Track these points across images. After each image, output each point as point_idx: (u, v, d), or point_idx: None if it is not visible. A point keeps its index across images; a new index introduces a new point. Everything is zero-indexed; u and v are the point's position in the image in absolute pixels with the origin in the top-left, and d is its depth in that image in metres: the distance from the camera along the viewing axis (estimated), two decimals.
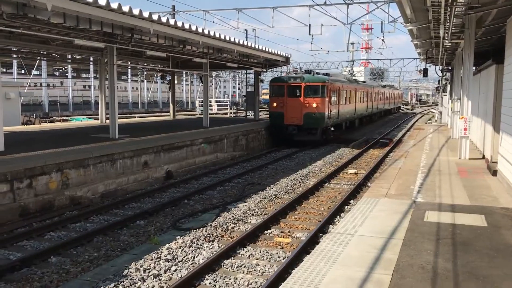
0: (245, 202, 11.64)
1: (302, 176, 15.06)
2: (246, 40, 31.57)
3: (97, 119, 25.27)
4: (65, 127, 21.17)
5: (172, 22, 14.95)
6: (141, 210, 10.90)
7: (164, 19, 14.35)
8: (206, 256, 7.77)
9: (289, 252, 8.05)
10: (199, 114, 35.70)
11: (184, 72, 51.66)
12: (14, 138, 14.60)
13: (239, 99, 74.16)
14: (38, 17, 10.68)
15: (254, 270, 7.29)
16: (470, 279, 5.20)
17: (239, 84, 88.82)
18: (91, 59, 24.59)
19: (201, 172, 15.94)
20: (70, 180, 11.20)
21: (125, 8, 12.42)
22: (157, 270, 7.15)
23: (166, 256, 7.70)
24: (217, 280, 6.86)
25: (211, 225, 9.52)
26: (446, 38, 14.54)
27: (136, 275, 6.93)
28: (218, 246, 8.35)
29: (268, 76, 55.28)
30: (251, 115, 28.20)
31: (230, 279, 6.89)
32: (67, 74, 56.47)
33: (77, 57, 23.04)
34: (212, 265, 7.33)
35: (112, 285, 6.58)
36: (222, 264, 7.49)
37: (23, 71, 49.21)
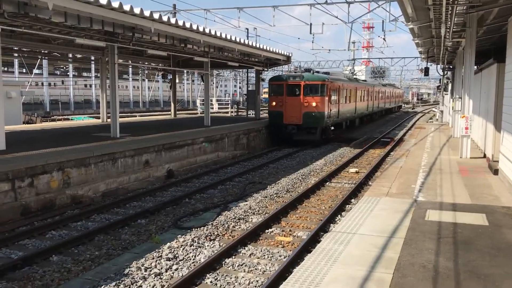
0: (246, 201, 11.65)
1: (303, 175, 15.07)
2: (247, 39, 31.55)
3: (98, 118, 25.28)
4: (66, 126, 21.18)
5: (173, 21, 14.95)
6: (142, 209, 10.91)
7: (165, 18, 14.35)
8: (207, 255, 7.78)
9: (290, 251, 8.05)
10: (200, 113, 35.71)
11: (185, 71, 51.69)
12: (15, 137, 14.62)
13: (240, 98, 74.16)
14: (39, 16, 10.69)
15: (255, 269, 7.29)
16: (471, 278, 5.20)
17: (240, 83, 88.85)
18: (92, 58, 24.61)
19: (202, 171, 15.95)
20: (71, 179, 11.21)
21: (126, 7, 12.43)
22: (158, 269, 7.16)
23: (167, 255, 7.71)
24: (218, 279, 6.86)
25: (212, 224, 9.53)
26: (447, 37, 14.54)
27: (137, 274, 6.95)
28: (219, 245, 8.35)
29: (269, 75, 55.19)
30: (252, 114, 28.19)
31: (231, 278, 6.89)
32: (68, 73, 56.49)
33: (78, 56, 23.05)
34: (213, 264, 7.33)
35: (114, 284, 6.59)
36: (223, 263, 7.50)
37: (24, 70, 49.22)
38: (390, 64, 57.11)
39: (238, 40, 19.45)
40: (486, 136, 14.21)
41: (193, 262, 7.51)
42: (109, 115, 18.13)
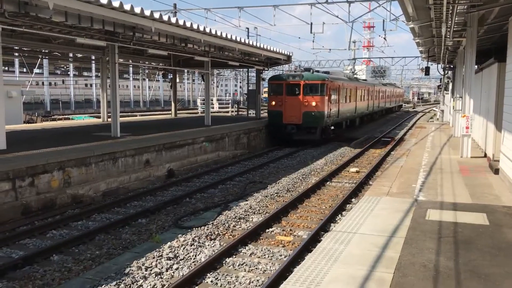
0: (246, 200, 11.65)
1: (303, 175, 15.07)
2: (248, 38, 31.54)
3: (99, 117, 25.26)
4: (66, 125, 21.18)
5: (173, 20, 14.93)
6: (143, 208, 10.92)
7: (165, 18, 14.34)
8: (207, 255, 7.78)
9: (291, 250, 8.05)
10: (201, 113, 35.68)
11: (185, 71, 51.69)
12: (16, 137, 14.62)
13: (241, 97, 74.15)
14: (40, 15, 10.69)
15: (256, 268, 7.30)
16: (472, 278, 5.19)
17: (240, 82, 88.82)
18: (93, 57, 24.60)
19: (202, 171, 15.95)
20: (72, 178, 11.22)
21: (127, 7, 12.42)
22: (159, 268, 7.16)
23: (167, 254, 7.72)
24: (219, 278, 6.87)
25: (212, 223, 9.53)
26: (448, 36, 14.52)
27: (138, 273, 6.95)
28: (219, 244, 8.36)
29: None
30: (253, 113, 28.17)
31: (231, 277, 6.90)
32: (68, 73, 56.52)
33: (79, 55, 23.04)
34: (214, 264, 7.34)
35: (114, 283, 6.60)
36: (223, 262, 7.50)
37: (25, 70, 49.22)
38: (390, 63, 57.09)
39: (238, 39, 19.43)
40: (486, 135, 14.20)
41: (193, 262, 7.51)
42: (109, 114, 18.12)
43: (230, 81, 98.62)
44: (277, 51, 24.23)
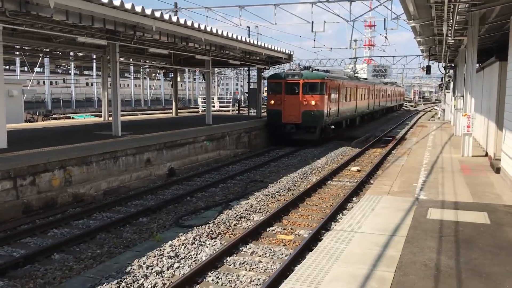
0: (247, 199, 11.65)
1: (304, 174, 15.06)
2: (249, 37, 31.54)
3: (100, 116, 25.28)
4: (67, 124, 21.20)
5: (174, 19, 14.93)
6: (144, 207, 10.92)
7: (166, 16, 14.34)
8: (208, 253, 7.79)
9: (292, 249, 8.05)
10: (202, 112, 35.68)
11: (186, 70, 51.66)
12: (17, 136, 14.64)
13: (242, 96, 74.16)
14: (41, 14, 10.70)
15: (257, 267, 7.30)
16: (473, 277, 5.19)
17: (241, 81, 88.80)
18: (94, 56, 24.62)
19: (203, 170, 15.96)
20: (73, 177, 11.22)
21: (128, 5, 12.42)
22: (160, 267, 7.17)
23: (168, 253, 7.72)
24: (220, 277, 6.87)
25: (213, 222, 9.53)
26: (449, 35, 14.51)
27: (139, 272, 6.95)
28: (220, 243, 8.36)
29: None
30: (254, 112, 28.17)
31: (232, 276, 6.90)
32: (69, 72, 56.56)
33: (80, 54, 23.05)
34: (215, 262, 7.34)
35: (115, 282, 6.60)
36: (224, 261, 7.51)
37: (26, 69, 49.24)
38: (392, 62, 57.09)
39: (239, 38, 19.43)
40: (488, 134, 14.19)
41: (194, 260, 7.52)
42: (110, 113, 18.15)
43: (231, 80, 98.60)
44: (278, 50, 24.22)
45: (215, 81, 71.36)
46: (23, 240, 8.68)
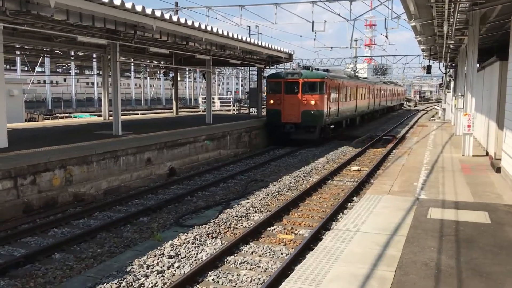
0: (248, 199, 11.65)
1: (305, 173, 15.06)
2: (249, 36, 31.53)
3: (100, 116, 25.29)
4: (68, 124, 21.21)
5: (175, 18, 14.93)
6: (144, 206, 10.92)
7: (167, 16, 14.34)
8: (209, 253, 7.79)
9: (292, 248, 8.05)
10: (202, 111, 35.69)
11: (187, 69, 51.68)
12: (17, 135, 14.64)
13: (242, 96, 74.15)
14: (41, 13, 10.70)
15: (257, 266, 7.30)
16: (473, 276, 5.19)
17: (242, 81, 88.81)
18: (94, 56, 24.61)
19: (204, 169, 15.96)
20: (74, 176, 11.23)
21: (128, 5, 12.42)
22: (160, 267, 7.17)
23: (169, 252, 7.73)
24: (220, 276, 6.87)
25: (214, 221, 9.53)
26: (450, 34, 14.51)
27: (139, 272, 6.96)
28: (221, 242, 8.36)
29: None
30: (254, 112, 28.17)
31: (233, 276, 6.90)
32: (70, 71, 56.55)
33: (80, 54, 23.04)
34: (215, 262, 7.34)
35: (116, 281, 6.60)
36: (225, 260, 7.51)
37: (26, 68, 49.20)
38: (392, 61, 57.13)
39: (240, 37, 19.42)
40: (488, 134, 14.18)
41: (195, 260, 7.52)
42: (111, 113, 18.15)
43: (231, 80, 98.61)
44: (279, 49, 24.21)
45: (215, 81, 71.38)
46: (24, 239, 8.68)
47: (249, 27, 38.05)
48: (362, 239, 6.49)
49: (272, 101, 22.66)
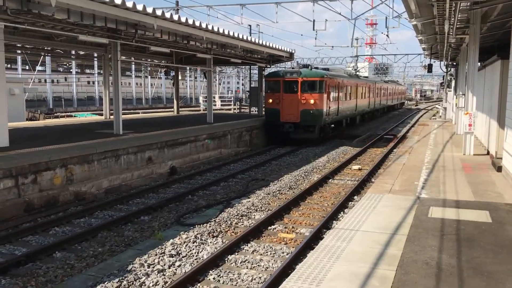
0: (248, 197, 11.66)
1: (305, 172, 15.06)
2: (250, 35, 31.52)
3: (101, 115, 25.31)
4: (69, 122, 21.23)
5: (175, 17, 14.93)
6: (145, 205, 10.93)
7: (167, 15, 14.33)
8: (210, 252, 7.79)
9: (293, 247, 8.06)
10: (203, 110, 35.71)
11: (188, 68, 51.68)
12: (18, 134, 14.65)
13: (243, 95, 74.13)
14: (42, 13, 10.70)
15: (258, 265, 7.30)
16: (474, 275, 5.19)
17: (242, 80, 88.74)
18: (95, 55, 24.61)
19: (205, 168, 15.96)
20: (75, 175, 11.23)
21: (129, 4, 12.43)
22: (161, 265, 7.18)
23: (170, 251, 7.73)
24: (221, 275, 6.88)
25: (215, 220, 9.54)
26: (451, 33, 14.48)
27: (140, 270, 6.96)
28: (222, 241, 8.37)
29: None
30: (255, 111, 28.16)
31: (234, 274, 6.91)
32: (71, 70, 56.58)
33: (81, 53, 23.04)
34: (216, 261, 7.35)
35: (117, 280, 6.61)
36: (226, 259, 7.51)
37: (27, 67, 49.26)
38: (393, 60, 57.10)
39: (241, 36, 19.42)
40: (489, 133, 14.17)
41: (196, 259, 7.53)
42: (112, 112, 18.16)
43: (232, 79, 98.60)
44: (279, 48, 24.18)
45: (216, 80, 71.35)
46: (25, 238, 8.69)
47: (250, 26, 38.10)
48: (363, 238, 6.49)
49: (270, 100, 22.44)
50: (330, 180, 13.97)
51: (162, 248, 7.89)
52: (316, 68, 24.79)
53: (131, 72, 64.24)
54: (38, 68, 47.85)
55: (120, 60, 15.11)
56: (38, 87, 46.50)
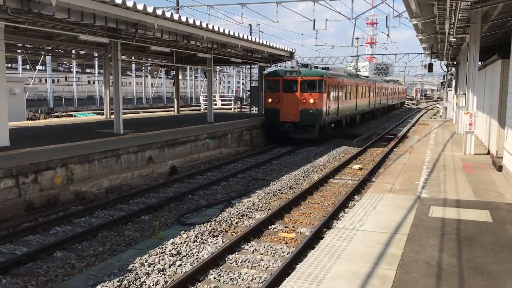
0: (249, 197, 11.66)
1: (306, 172, 15.06)
2: (250, 35, 31.51)
3: (102, 114, 25.31)
4: (69, 122, 21.23)
5: (176, 17, 14.93)
6: (146, 205, 10.93)
7: (168, 14, 14.34)
8: (210, 251, 7.79)
9: (293, 247, 8.06)
10: (204, 110, 35.72)
11: (188, 67, 51.69)
12: (19, 134, 14.66)
13: (243, 94, 74.13)
14: (43, 12, 10.71)
15: (258, 265, 7.30)
16: (475, 275, 5.19)
17: (243, 79, 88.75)
18: (96, 54, 24.64)
19: (205, 167, 15.96)
20: (75, 175, 11.24)
21: (129, 3, 12.43)
22: (162, 265, 7.18)
23: (170, 251, 7.73)
24: (222, 275, 6.88)
25: (215, 220, 9.54)
26: (452, 32, 14.47)
27: (141, 270, 6.97)
28: (222, 241, 8.37)
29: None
30: (255, 110, 28.16)
31: (234, 274, 6.91)
32: (71, 70, 56.59)
33: (82, 52, 23.06)
34: (217, 260, 7.35)
35: (117, 279, 6.61)
36: (226, 259, 7.51)
37: (27, 67, 49.29)
38: (393, 60, 57.07)
39: (241, 36, 19.41)
40: (490, 132, 14.16)
41: (196, 258, 7.53)
42: (112, 111, 18.16)
43: (232, 78, 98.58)
44: (280, 47, 24.17)
45: (216, 79, 71.35)
46: (25, 237, 8.70)
47: (250, 25, 38.02)
48: (364, 238, 6.49)
49: (270, 100, 22.32)
50: (330, 180, 13.97)
51: (162, 247, 7.89)
52: (316, 67, 24.71)
53: (131, 72, 64.26)
54: (39, 67, 47.88)
55: (120, 59, 15.12)
56: (39, 87, 46.51)
